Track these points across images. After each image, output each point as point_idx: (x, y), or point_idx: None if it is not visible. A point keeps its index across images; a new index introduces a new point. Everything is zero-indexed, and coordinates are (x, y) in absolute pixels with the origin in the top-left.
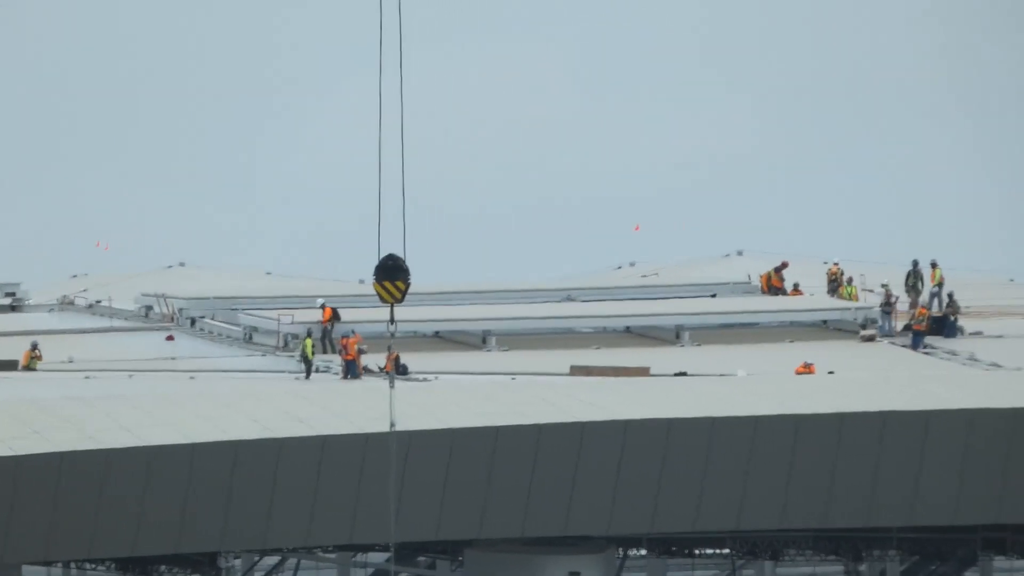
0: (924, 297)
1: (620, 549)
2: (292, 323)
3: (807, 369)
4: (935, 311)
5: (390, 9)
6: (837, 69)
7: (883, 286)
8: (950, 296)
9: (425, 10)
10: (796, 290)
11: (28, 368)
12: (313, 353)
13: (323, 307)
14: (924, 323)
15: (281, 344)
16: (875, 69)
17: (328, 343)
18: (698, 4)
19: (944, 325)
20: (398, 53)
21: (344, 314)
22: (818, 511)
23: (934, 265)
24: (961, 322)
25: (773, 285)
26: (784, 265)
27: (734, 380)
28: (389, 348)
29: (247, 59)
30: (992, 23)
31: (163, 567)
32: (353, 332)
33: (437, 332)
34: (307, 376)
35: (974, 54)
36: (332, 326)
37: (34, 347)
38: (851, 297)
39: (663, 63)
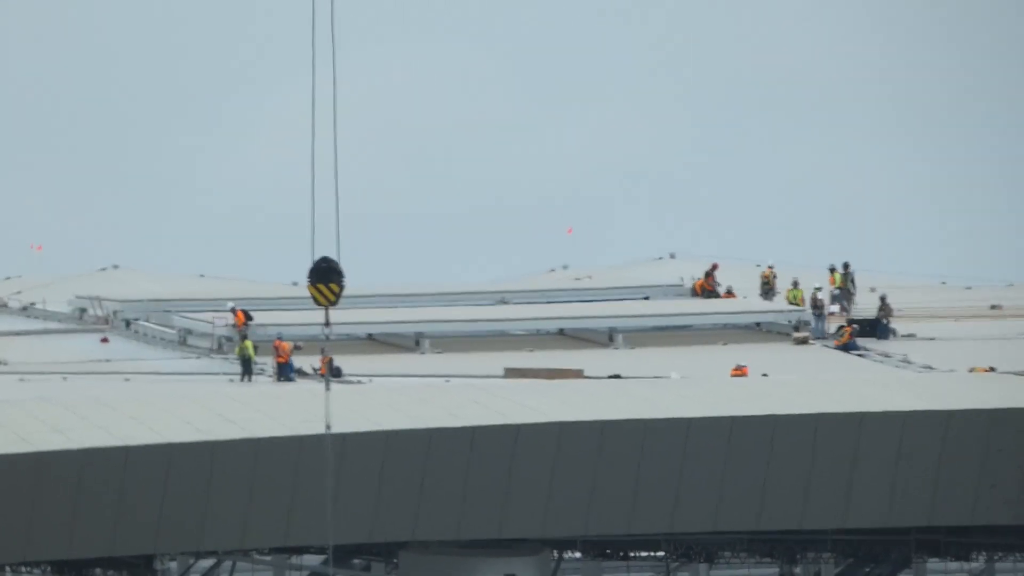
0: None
1: (555, 551)
2: (226, 325)
3: (740, 372)
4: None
5: (323, 11)
6: (769, 72)
7: (816, 289)
8: (882, 299)
9: (357, 12)
10: (729, 293)
11: None
12: (255, 352)
13: (234, 311)
14: (844, 338)
15: (215, 346)
16: (808, 71)
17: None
18: (631, 6)
19: (877, 328)
20: (331, 54)
21: (278, 317)
22: (752, 513)
23: (832, 270)
24: (894, 324)
25: (705, 288)
26: (715, 267)
27: (667, 382)
28: (322, 351)
29: (182, 62)
30: (921, 23)
31: (98, 570)
32: (280, 336)
33: (370, 334)
34: (248, 377)
35: (907, 53)
36: (246, 329)
37: None
38: (797, 300)
39: (595, 67)
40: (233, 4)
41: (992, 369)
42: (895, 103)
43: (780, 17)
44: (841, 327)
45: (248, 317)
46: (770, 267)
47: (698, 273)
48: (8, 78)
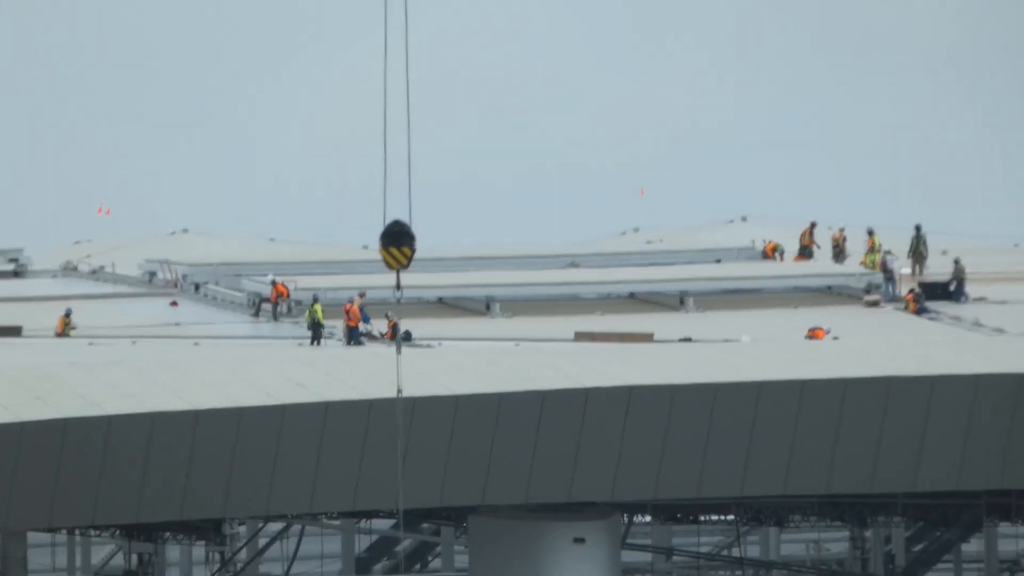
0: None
1: (625, 515)
2: (296, 289)
3: (816, 334)
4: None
5: None
6: (839, 37)
7: (887, 253)
8: (956, 261)
9: None
10: (801, 255)
11: (62, 335)
12: (323, 317)
13: (274, 283)
14: (910, 307)
15: (285, 310)
16: (879, 37)
17: (273, 315)
18: None
19: (951, 290)
20: (403, 15)
21: (349, 280)
22: (822, 477)
23: (871, 232)
24: (966, 287)
25: (807, 246)
26: (814, 225)
27: (738, 346)
28: (387, 315)
29: (251, 25)
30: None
31: (167, 534)
32: (354, 298)
33: (441, 298)
34: (317, 341)
35: (971, 22)
36: (283, 301)
37: (68, 314)
38: (875, 265)
39: (670, 29)
40: None
41: None
42: (963, 68)
43: None
44: (909, 290)
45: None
46: (841, 229)
47: (769, 236)
48: (79, 44)
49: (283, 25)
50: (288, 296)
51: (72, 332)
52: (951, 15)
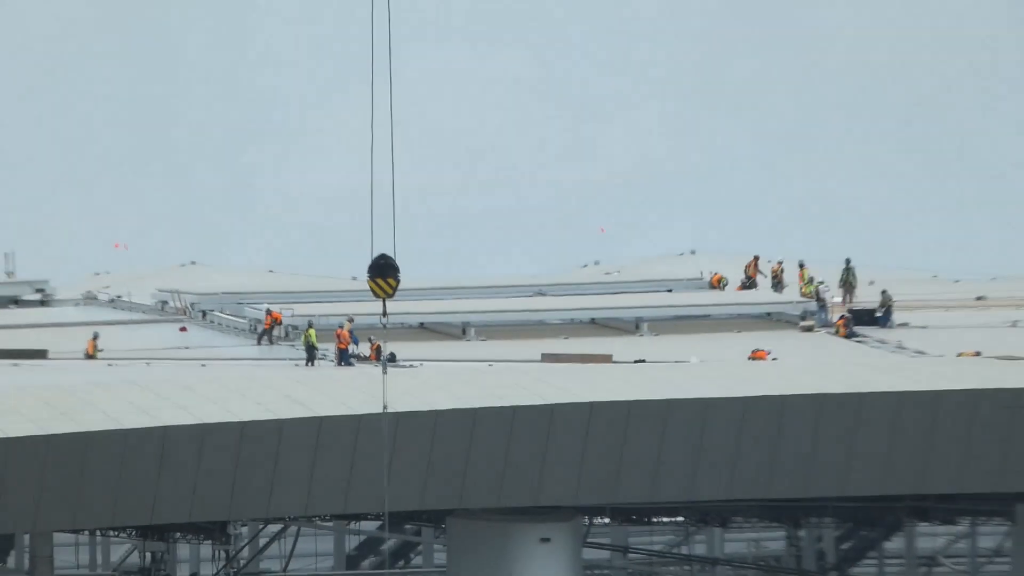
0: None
1: (586, 517)
2: (292, 316)
3: (759, 355)
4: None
5: (381, 39)
6: (779, 82)
7: (820, 283)
8: (884, 291)
9: (411, 37)
10: (742, 285)
11: (92, 356)
12: (317, 340)
13: (269, 312)
14: (840, 332)
15: (283, 334)
16: (810, 73)
17: (270, 340)
18: (648, 26)
19: (877, 317)
20: (388, 75)
21: (340, 308)
22: (762, 483)
23: (802, 265)
24: (892, 314)
25: (750, 276)
26: (756, 259)
27: (688, 366)
28: (369, 338)
29: (252, 80)
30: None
31: (178, 534)
32: (344, 324)
33: (422, 323)
34: (311, 362)
35: (884, 58)
36: (278, 326)
37: (95, 337)
38: (809, 293)
39: (621, 82)
40: (304, 31)
41: (978, 354)
42: (888, 109)
43: (782, 25)
44: (840, 316)
45: (280, 316)
46: (779, 263)
47: (715, 268)
48: (95, 97)
49: (280, 82)
50: (281, 322)
51: (99, 354)
52: (866, 66)
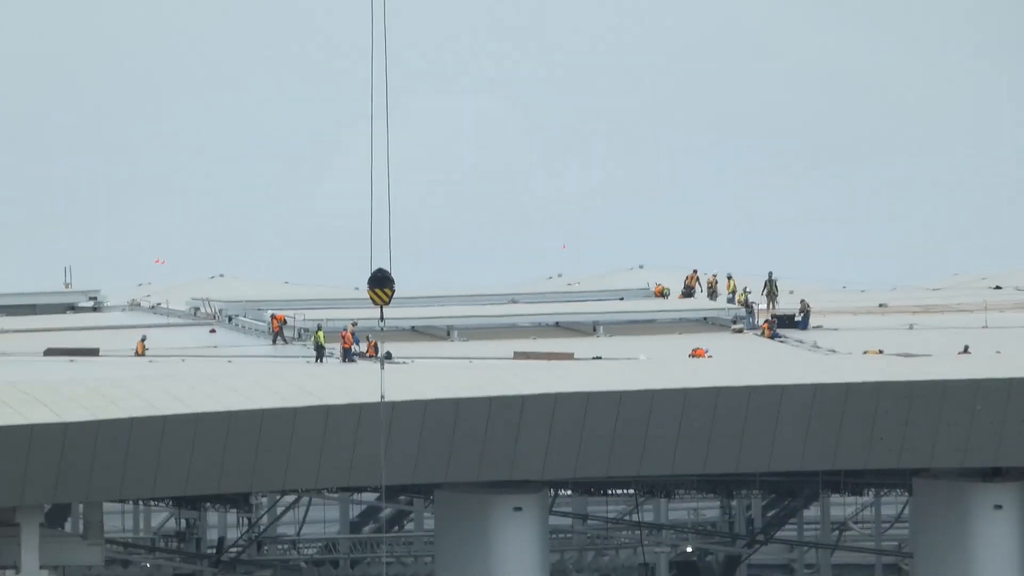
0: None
1: (552, 490)
2: (305, 320)
3: (698, 353)
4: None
5: (381, 85)
6: (706, 118)
7: (746, 291)
8: (802, 300)
9: (405, 87)
10: (683, 294)
11: (141, 354)
12: (325, 341)
13: (273, 316)
14: (765, 334)
15: (296, 335)
16: (732, 91)
17: (283, 340)
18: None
19: (797, 322)
20: (384, 115)
21: (344, 313)
22: (700, 460)
23: (730, 277)
24: (809, 319)
25: (689, 287)
26: (695, 272)
27: (637, 362)
28: (367, 338)
29: (268, 115)
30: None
31: (208, 504)
32: (348, 327)
33: (413, 327)
34: (320, 360)
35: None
36: (284, 327)
37: (143, 339)
38: (740, 300)
39: (586, 120)
40: (312, 68)
41: (881, 352)
42: (814, 143)
43: (719, 64)
44: (765, 320)
45: (285, 322)
46: (714, 274)
47: (660, 280)
48: (141, 132)
49: (286, 122)
50: (285, 322)
51: (147, 352)
52: (807, 94)
